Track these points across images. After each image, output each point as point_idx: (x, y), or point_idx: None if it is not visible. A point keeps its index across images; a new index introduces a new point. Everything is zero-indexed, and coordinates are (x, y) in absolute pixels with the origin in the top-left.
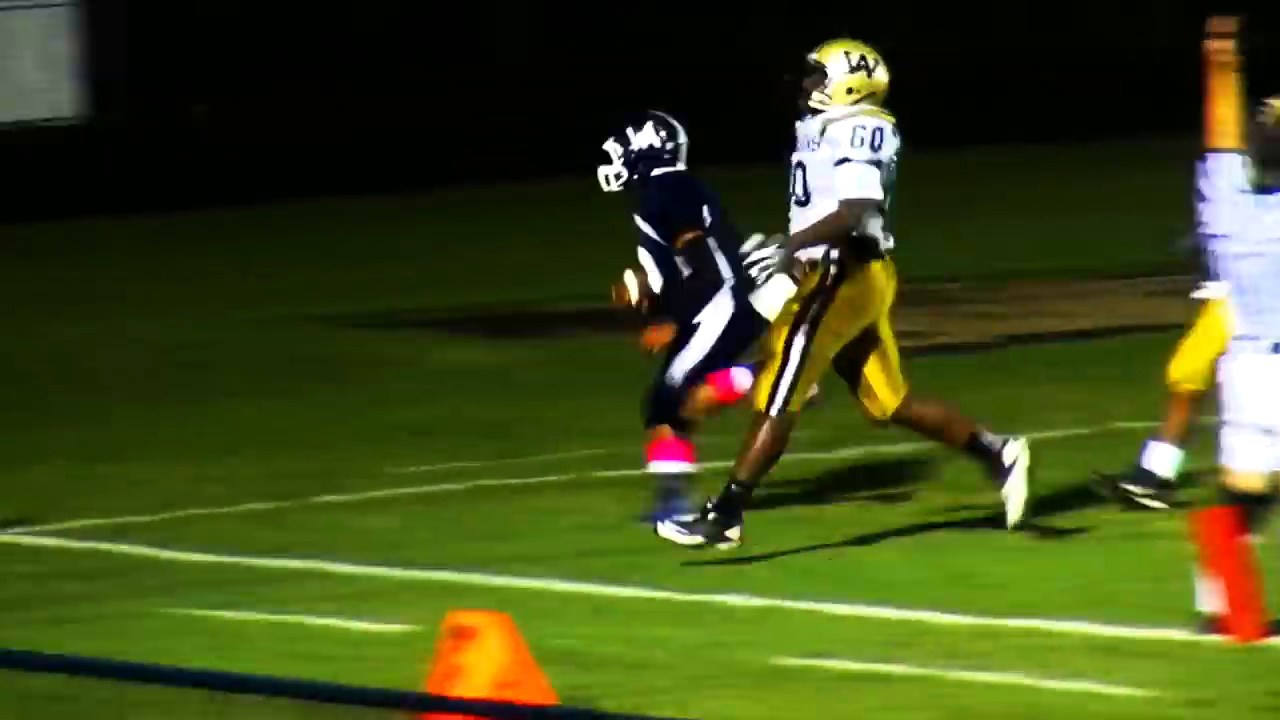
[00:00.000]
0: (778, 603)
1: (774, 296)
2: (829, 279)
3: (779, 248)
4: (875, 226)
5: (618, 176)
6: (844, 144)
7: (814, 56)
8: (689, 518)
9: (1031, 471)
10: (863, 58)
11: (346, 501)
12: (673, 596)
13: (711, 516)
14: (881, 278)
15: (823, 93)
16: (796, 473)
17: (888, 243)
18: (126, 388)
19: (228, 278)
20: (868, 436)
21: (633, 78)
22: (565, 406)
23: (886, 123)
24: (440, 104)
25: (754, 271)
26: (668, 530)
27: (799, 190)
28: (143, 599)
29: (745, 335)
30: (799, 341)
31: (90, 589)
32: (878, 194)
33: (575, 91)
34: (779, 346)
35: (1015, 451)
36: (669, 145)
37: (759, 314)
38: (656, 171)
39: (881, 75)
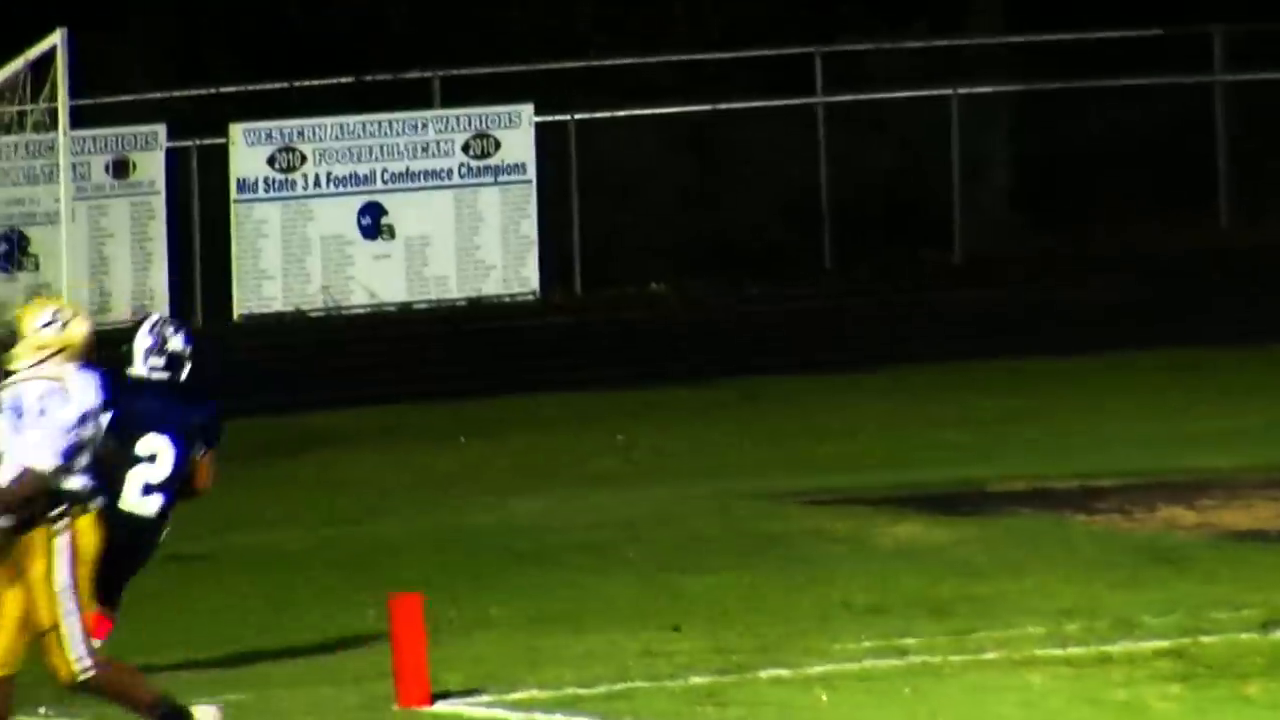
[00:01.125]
0: None
1: None
2: (57, 536)
3: None
4: (82, 482)
5: None
6: (25, 408)
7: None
8: None
9: None
10: (56, 313)
11: (786, 677)
12: None
13: None
14: (89, 533)
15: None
16: None
17: (96, 499)
18: (574, 560)
19: (677, 453)
20: None
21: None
22: (1008, 584)
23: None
24: (888, 288)
25: None
26: None
27: None
28: None
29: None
30: (68, 604)
31: None
32: (49, 460)
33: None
34: (50, 618)
35: (208, 717)
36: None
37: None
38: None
39: (77, 329)
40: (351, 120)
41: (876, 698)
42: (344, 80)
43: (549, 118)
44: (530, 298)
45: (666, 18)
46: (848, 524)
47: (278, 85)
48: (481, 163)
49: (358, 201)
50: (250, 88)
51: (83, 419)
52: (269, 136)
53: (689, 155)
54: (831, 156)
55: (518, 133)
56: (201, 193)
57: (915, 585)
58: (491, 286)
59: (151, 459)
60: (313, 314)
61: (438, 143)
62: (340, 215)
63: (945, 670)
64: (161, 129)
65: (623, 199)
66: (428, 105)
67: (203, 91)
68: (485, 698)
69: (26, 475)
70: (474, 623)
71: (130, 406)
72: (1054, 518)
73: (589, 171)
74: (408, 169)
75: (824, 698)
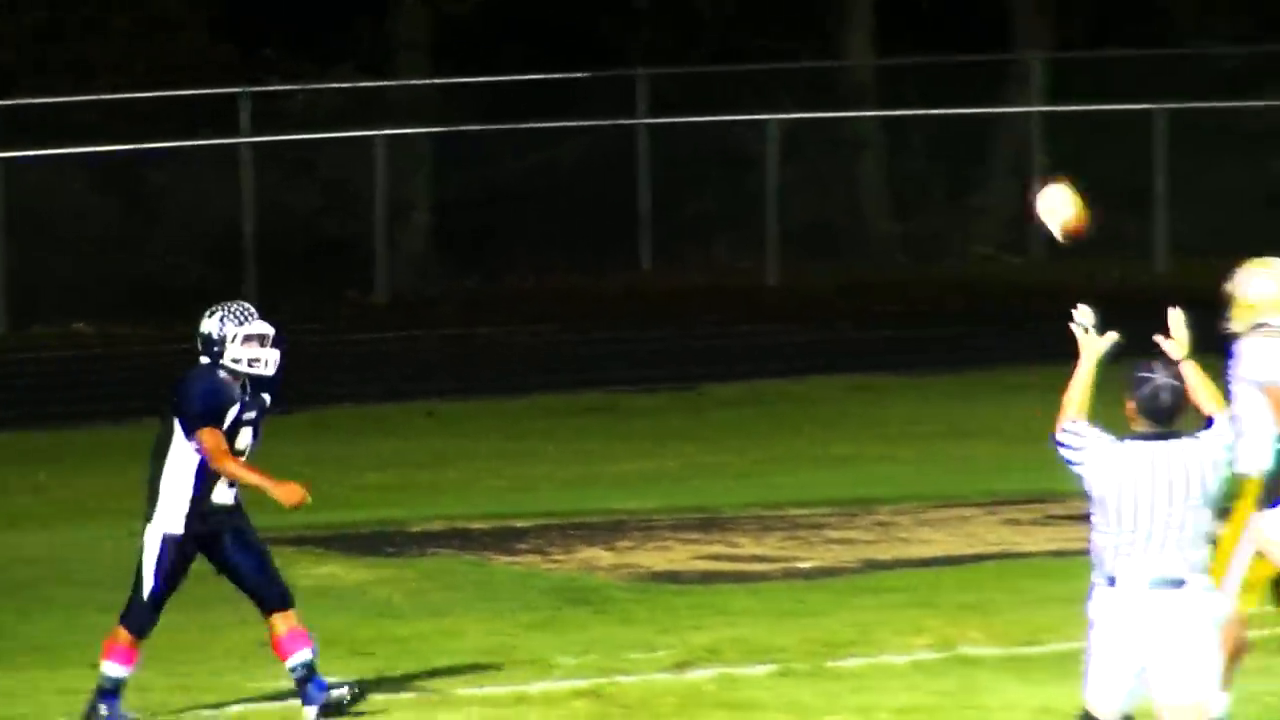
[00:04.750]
0: None
1: None
2: None
3: None
4: None
5: None
6: None
7: None
8: None
9: None
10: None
11: (205, 716)
12: None
13: None
14: None
15: None
16: None
17: None
18: None
19: (96, 492)
20: None
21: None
22: (427, 624)
23: None
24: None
25: None
26: None
27: None
28: None
29: None
30: None
31: None
32: None
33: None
34: None
35: None
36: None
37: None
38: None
39: None
40: None
41: None
42: None
43: None
44: None
45: (94, 56)
46: None
47: None
48: None
49: None
50: None
51: None
52: None
53: (115, 195)
54: (256, 197)
55: None
56: None
57: (335, 625)
58: None
59: None
60: None
61: None
62: None
63: (363, 710)
64: None
65: (48, 238)
66: None
67: None
68: None
69: None
70: None
71: None
72: (474, 558)
73: (14, 210)
74: None
75: None
